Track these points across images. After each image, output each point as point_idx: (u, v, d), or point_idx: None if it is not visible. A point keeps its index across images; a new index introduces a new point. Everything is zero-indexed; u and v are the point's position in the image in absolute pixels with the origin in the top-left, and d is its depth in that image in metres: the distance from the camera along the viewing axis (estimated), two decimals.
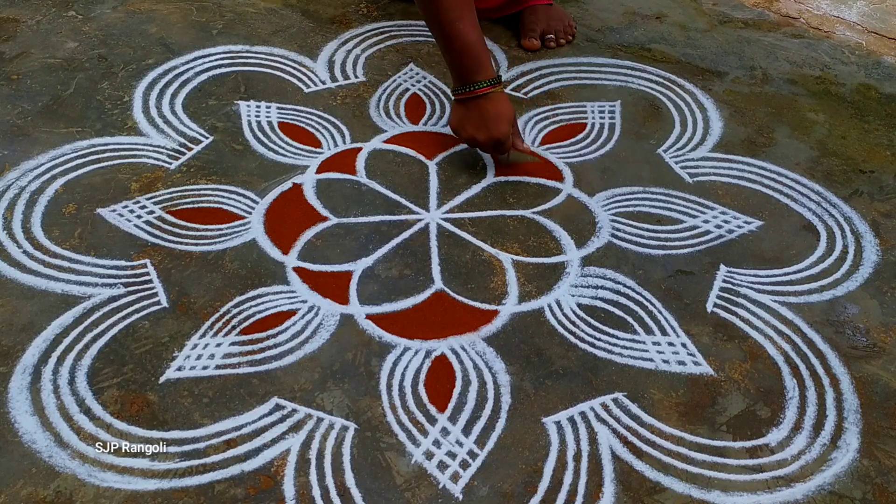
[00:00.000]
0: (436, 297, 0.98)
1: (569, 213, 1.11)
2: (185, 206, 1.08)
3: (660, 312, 0.97)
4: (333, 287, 0.98)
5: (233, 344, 0.91)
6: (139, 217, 1.06)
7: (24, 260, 0.99)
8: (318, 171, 1.15)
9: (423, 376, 0.88)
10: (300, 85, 1.32)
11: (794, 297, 1.00)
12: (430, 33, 1.48)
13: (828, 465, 0.82)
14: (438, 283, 0.99)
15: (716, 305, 0.99)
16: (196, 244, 1.03)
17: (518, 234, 1.07)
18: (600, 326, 0.95)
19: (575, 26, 1.48)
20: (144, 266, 0.99)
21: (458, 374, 0.89)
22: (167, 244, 1.02)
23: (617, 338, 0.94)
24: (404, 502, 0.77)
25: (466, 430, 0.83)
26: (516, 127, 1.14)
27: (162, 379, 0.87)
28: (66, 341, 0.90)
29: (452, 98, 1.14)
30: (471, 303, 0.97)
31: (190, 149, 1.18)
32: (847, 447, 0.84)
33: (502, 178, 1.16)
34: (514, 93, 1.33)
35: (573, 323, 0.95)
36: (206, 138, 1.20)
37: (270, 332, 0.92)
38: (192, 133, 1.20)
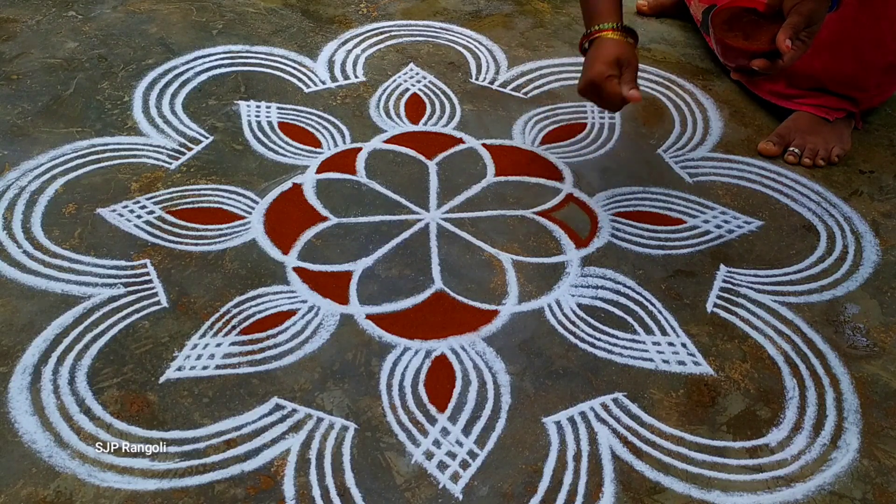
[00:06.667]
0: (436, 297, 0.98)
1: (569, 213, 1.11)
2: (185, 206, 1.08)
3: (660, 312, 0.97)
4: (333, 287, 0.98)
5: (233, 344, 0.91)
6: (139, 217, 1.06)
7: (24, 260, 0.99)
8: (318, 171, 1.15)
9: (423, 376, 0.88)
10: (300, 85, 1.32)
11: (794, 297, 1.00)
12: (429, 33, 1.48)
13: (828, 465, 0.82)
14: (438, 283, 0.99)
15: (716, 305, 0.99)
16: (196, 244, 1.03)
17: (518, 234, 1.07)
18: (600, 326, 0.95)
19: (840, 156, 1.21)
20: (144, 266, 0.99)
21: (458, 374, 0.89)
22: (167, 244, 1.02)
23: (617, 338, 0.94)
24: (404, 502, 0.77)
25: (466, 430, 0.83)
26: (628, 72, 0.99)
27: (162, 379, 0.87)
28: (66, 341, 0.90)
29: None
30: (471, 303, 0.97)
31: (190, 149, 1.18)
32: (847, 447, 0.84)
33: (502, 178, 1.16)
34: (513, 93, 1.33)
35: (573, 323, 0.95)
36: (206, 138, 1.20)
37: (270, 332, 0.92)
38: (192, 133, 1.20)
